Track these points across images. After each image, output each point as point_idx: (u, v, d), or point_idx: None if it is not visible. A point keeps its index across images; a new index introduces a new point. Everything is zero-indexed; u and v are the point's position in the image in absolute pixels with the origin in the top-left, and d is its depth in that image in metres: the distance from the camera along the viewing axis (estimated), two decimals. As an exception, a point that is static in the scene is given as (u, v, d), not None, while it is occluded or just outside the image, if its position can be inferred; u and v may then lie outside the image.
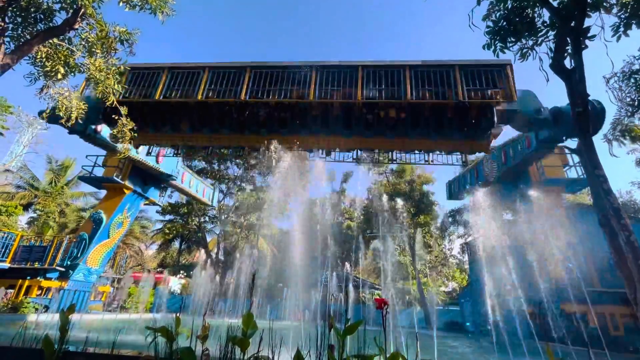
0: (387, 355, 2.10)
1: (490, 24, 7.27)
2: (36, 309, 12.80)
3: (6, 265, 13.76)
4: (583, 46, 6.17)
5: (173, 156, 16.49)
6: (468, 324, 22.21)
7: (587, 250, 12.90)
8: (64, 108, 6.86)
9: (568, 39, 6.12)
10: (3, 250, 13.89)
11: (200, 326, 2.64)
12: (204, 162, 32.41)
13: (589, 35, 6.53)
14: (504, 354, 10.21)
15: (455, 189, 22.78)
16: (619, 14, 6.91)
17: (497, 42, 7.42)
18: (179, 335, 2.64)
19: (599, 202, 4.87)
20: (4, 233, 14.27)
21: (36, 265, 14.30)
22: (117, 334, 3.39)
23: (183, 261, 42.93)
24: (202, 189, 26.00)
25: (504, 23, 7.22)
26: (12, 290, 13.67)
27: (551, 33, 7.17)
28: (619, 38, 6.64)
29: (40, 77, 6.40)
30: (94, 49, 6.21)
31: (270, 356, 2.55)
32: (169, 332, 2.64)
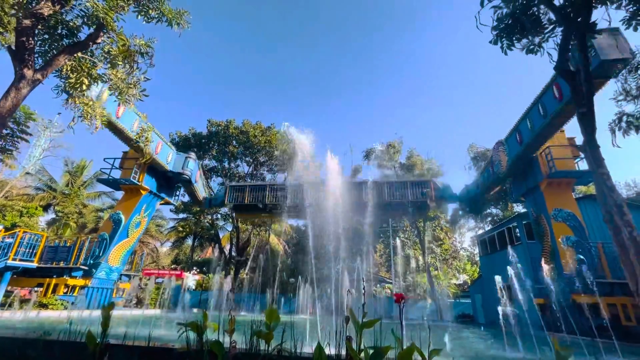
0: (404, 347, 2.29)
1: (497, 22, 7.34)
2: (64, 307, 13.53)
3: (34, 265, 14.52)
4: (589, 44, 6.22)
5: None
6: (479, 315, 22.36)
7: (598, 241, 12.91)
8: (88, 116, 7.26)
9: (573, 37, 6.17)
10: (31, 250, 14.66)
11: (227, 320, 2.95)
12: (214, 161, 32.97)
13: (596, 29, 6.55)
14: (514, 345, 10.40)
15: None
16: (627, 7, 6.86)
17: (503, 39, 7.53)
18: (207, 329, 2.95)
19: (603, 199, 5.02)
20: (31, 234, 15.02)
21: (62, 264, 15.04)
22: (151, 327, 3.76)
23: (196, 258, 43.92)
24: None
25: (510, 20, 7.31)
26: (40, 289, 14.45)
27: (558, 29, 7.20)
28: (635, 29, 6.49)
29: (67, 89, 6.80)
30: (115, 61, 6.57)
31: (292, 348, 2.85)
32: (198, 326, 2.96)
